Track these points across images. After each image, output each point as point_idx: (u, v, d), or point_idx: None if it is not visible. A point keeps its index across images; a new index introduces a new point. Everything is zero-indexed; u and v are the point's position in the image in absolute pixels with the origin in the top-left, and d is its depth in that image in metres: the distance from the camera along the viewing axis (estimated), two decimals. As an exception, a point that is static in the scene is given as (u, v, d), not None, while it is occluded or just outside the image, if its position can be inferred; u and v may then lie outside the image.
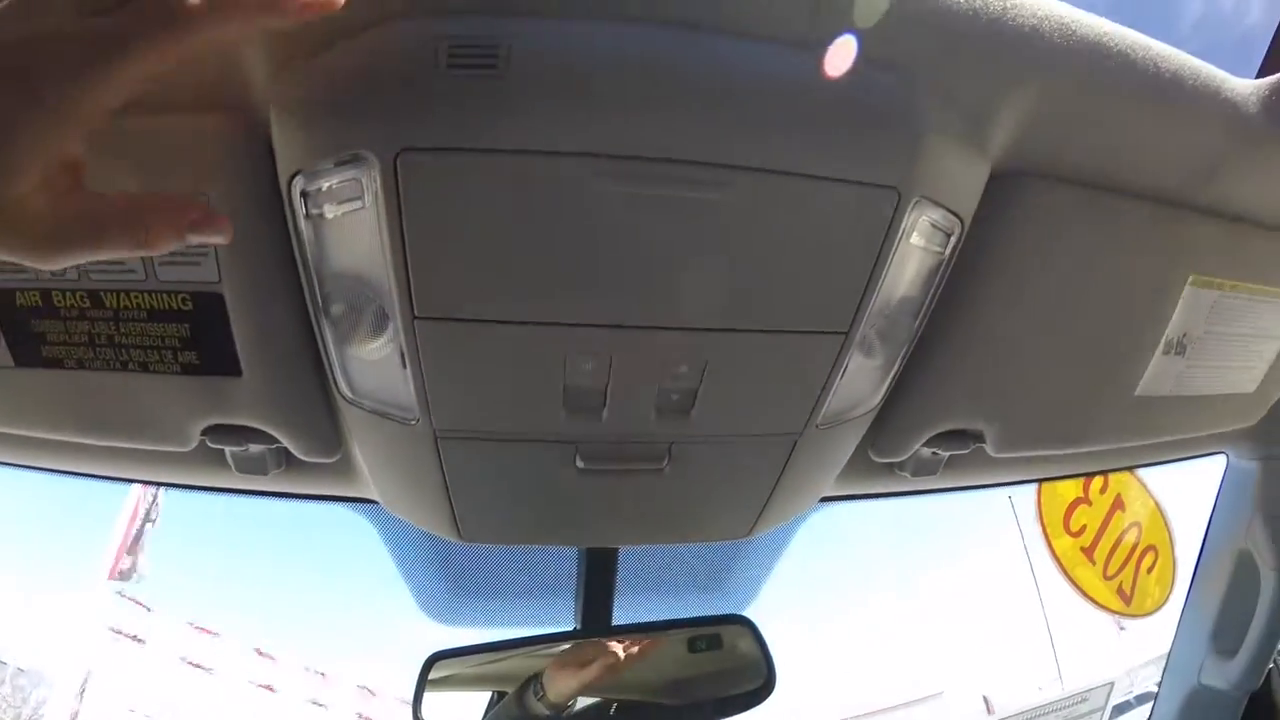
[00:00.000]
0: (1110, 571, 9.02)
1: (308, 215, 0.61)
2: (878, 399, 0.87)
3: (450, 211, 0.58)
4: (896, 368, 0.84)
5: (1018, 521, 10.93)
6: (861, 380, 0.83)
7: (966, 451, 1.00)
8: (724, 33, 0.57)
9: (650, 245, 0.62)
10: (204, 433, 0.83)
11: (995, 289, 0.82)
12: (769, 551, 1.83)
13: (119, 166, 0.58)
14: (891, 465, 1.08)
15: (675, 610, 1.69)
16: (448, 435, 0.77)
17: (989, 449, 0.99)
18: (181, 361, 0.75)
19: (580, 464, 0.81)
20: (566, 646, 1.28)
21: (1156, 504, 9.04)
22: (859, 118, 0.60)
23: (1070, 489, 8.84)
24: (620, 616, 1.33)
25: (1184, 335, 0.98)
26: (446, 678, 1.24)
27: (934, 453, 1.02)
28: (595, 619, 1.31)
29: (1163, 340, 0.96)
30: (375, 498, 1.02)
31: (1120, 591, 9.06)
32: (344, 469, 0.97)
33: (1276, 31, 0.94)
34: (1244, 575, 1.65)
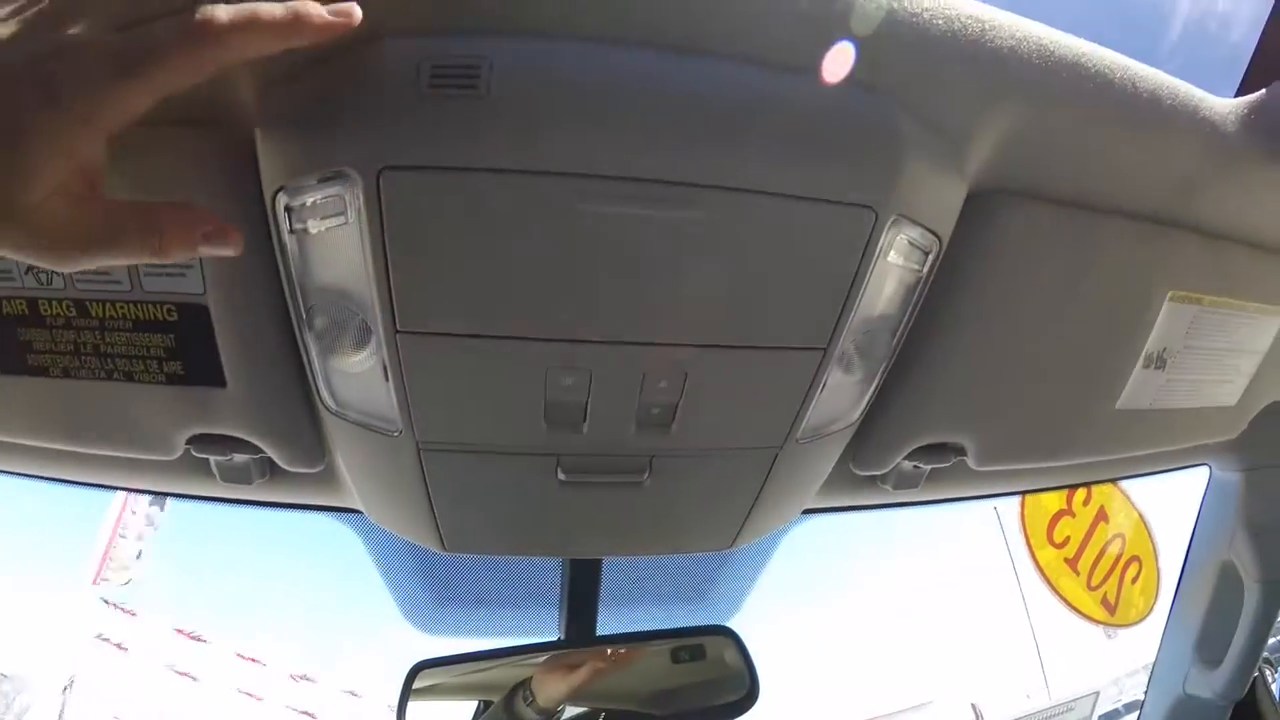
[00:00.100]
0: (1094, 582, 9.06)
1: (292, 230, 0.62)
2: (858, 414, 0.88)
3: (432, 228, 0.58)
4: (876, 383, 0.84)
5: (1003, 532, 10.97)
6: (841, 395, 0.83)
7: (948, 464, 1.01)
8: (704, 54, 0.58)
9: (630, 263, 0.62)
10: (189, 442, 0.83)
11: (975, 305, 0.82)
12: (754, 562, 1.84)
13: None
14: (874, 478, 1.08)
15: (659, 621, 1.70)
16: (430, 447, 0.77)
17: (970, 462, 0.99)
18: (166, 371, 0.75)
19: (562, 476, 0.81)
20: (546, 658, 1.28)
21: (1140, 515, 9.09)
22: (837, 138, 0.61)
23: (1054, 501, 8.88)
24: (604, 627, 1.33)
25: (1164, 350, 0.99)
26: (431, 687, 1.24)
27: (915, 466, 1.03)
28: (579, 629, 1.32)
29: (1142, 355, 0.97)
30: (359, 507, 1.02)
31: (1104, 602, 9.10)
32: (328, 479, 0.97)
33: (1255, 51, 0.95)
34: (1227, 586, 1.66)
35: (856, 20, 0.59)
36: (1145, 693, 1.86)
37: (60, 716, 11.29)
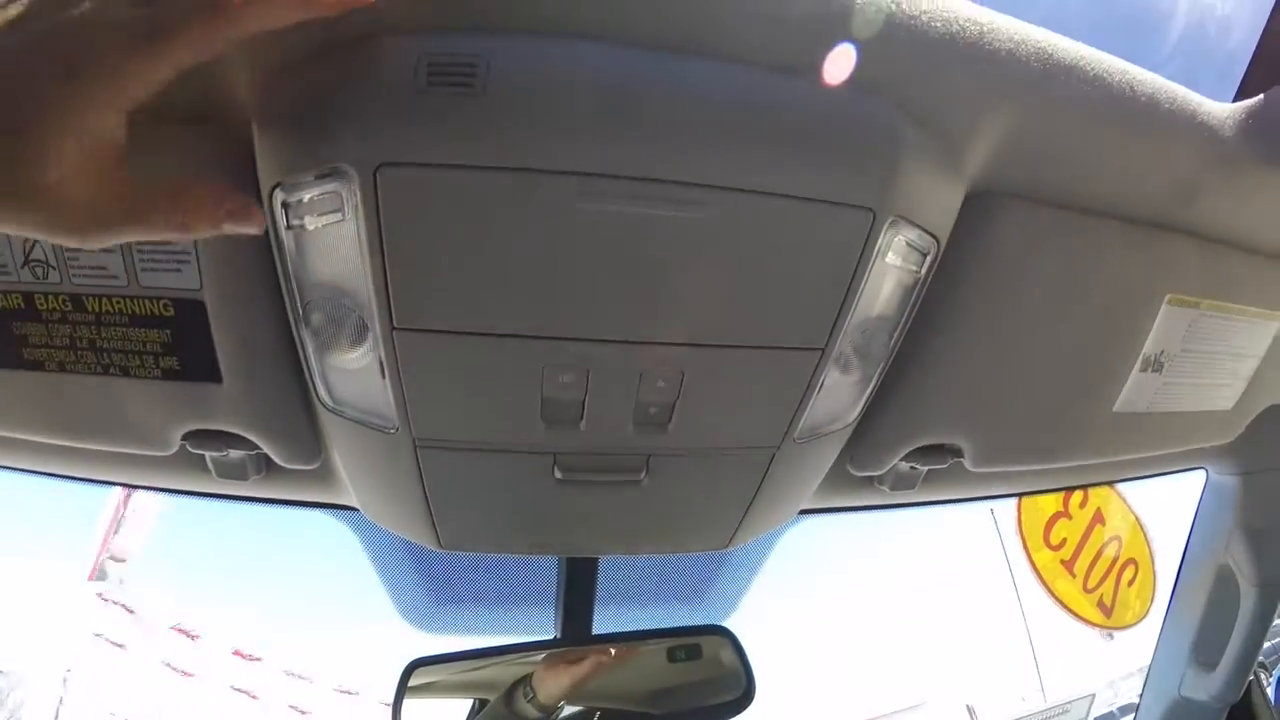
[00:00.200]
0: (1091, 584, 9.08)
1: (289, 226, 0.62)
2: (855, 414, 0.88)
3: (429, 226, 0.58)
4: (874, 383, 0.84)
5: (999, 534, 10.98)
6: (839, 396, 0.83)
7: (945, 466, 1.01)
8: (703, 55, 0.58)
9: (628, 261, 0.62)
10: (184, 438, 0.83)
11: (973, 307, 0.82)
12: (749, 562, 1.84)
13: None
14: (870, 479, 1.08)
15: (655, 620, 1.70)
16: (426, 444, 0.77)
17: (967, 464, 1.00)
18: (162, 367, 0.75)
19: (558, 475, 0.81)
20: (545, 656, 1.27)
21: (1136, 518, 9.10)
22: (836, 139, 0.61)
23: (1050, 503, 8.89)
24: (600, 626, 1.33)
25: (1161, 353, 0.99)
26: (426, 685, 1.23)
27: (912, 467, 1.03)
28: (575, 628, 1.31)
29: (1140, 358, 0.97)
30: (355, 505, 1.02)
31: (1101, 604, 9.11)
32: (324, 476, 0.97)
33: (1253, 57, 0.95)
34: (1224, 589, 1.66)
35: (856, 22, 0.59)
36: (1141, 695, 1.86)
37: (56, 713, 11.28)
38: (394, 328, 0.64)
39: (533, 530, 0.97)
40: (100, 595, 11.79)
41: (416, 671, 1.22)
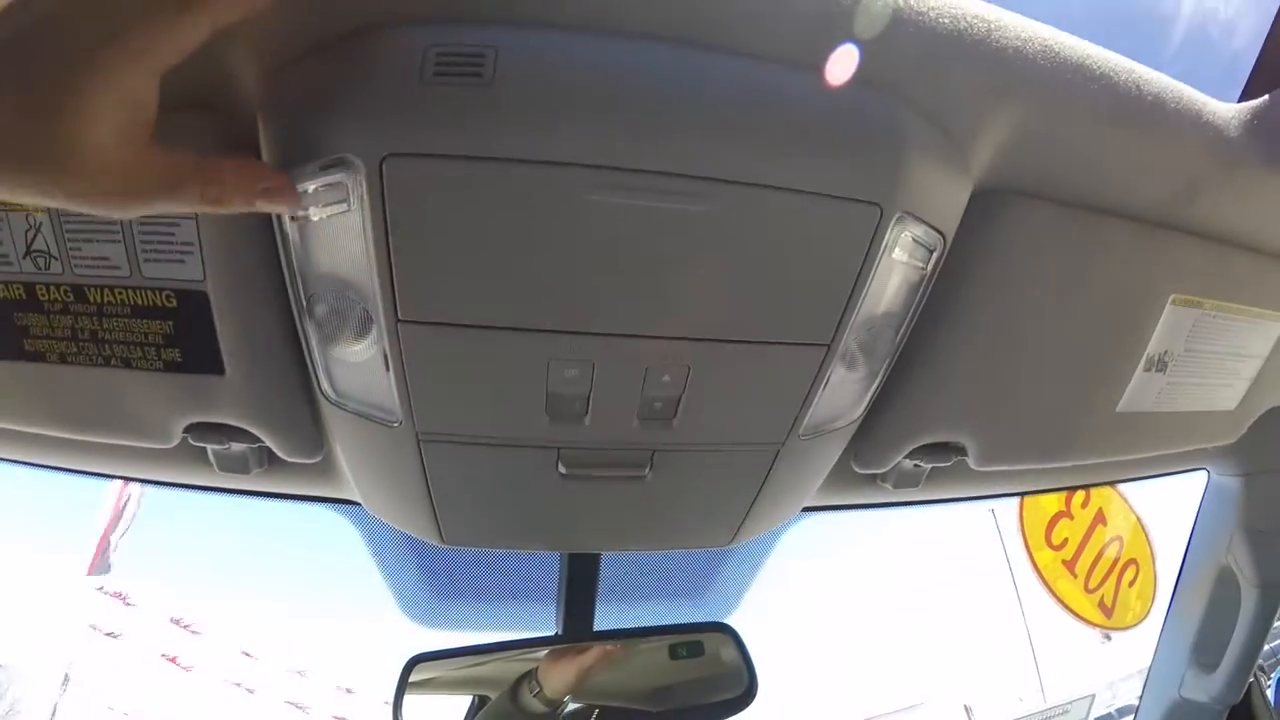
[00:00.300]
0: (1091, 585, 9.07)
1: (293, 217, 0.61)
2: (860, 411, 0.88)
3: (435, 217, 0.58)
4: (879, 380, 0.84)
5: (1000, 534, 10.98)
6: (844, 392, 0.83)
7: (948, 464, 1.01)
8: (713, 49, 0.58)
9: (634, 255, 0.62)
10: (186, 430, 0.83)
11: (978, 304, 0.82)
12: (750, 561, 1.83)
13: None
14: (874, 476, 1.08)
15: (657, 617, 1.69)
16: (430, 438, 0.77)
17: (971, 462, 0.99)
18: (164, 359, 0.75)
19: (562, 469, 0.81)
20: (548, 651, 1.27)
21: (1138, 519, 9.10)
22: (843, 134, 0.61)
23: (1052, 502, 8.89)
24: (602, 623, 1.33)
25: (1165, 353, 0.99)
26: (427, 680, 1.23)
27: (916, 465, 1.03)
28: (577, 624, 1.31)
29: (1144, 357, 0.97)
30: (357, 499, 1.02)
31: (1101, 605, 9.11)
32: (326, 470, 0.97)
33: (1258, 58, 0.95)
34: (1225, 590, 1.66)
35: (864, 18, 0.59)
36: (1141, 696, 1.86)
37: (55, 707, 11.29)
38: (399, 320, 0.64)
39: (536, 526, 0.97)
40: (99, 589, 11.81)
41: (417, 667, 1.22)
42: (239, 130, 0.60)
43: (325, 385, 0.76)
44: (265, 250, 0.67)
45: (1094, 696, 10.46)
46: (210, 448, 0.88)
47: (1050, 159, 0.74)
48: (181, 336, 0.73)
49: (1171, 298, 0.93)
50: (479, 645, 1.29)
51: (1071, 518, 9.02)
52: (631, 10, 0.56)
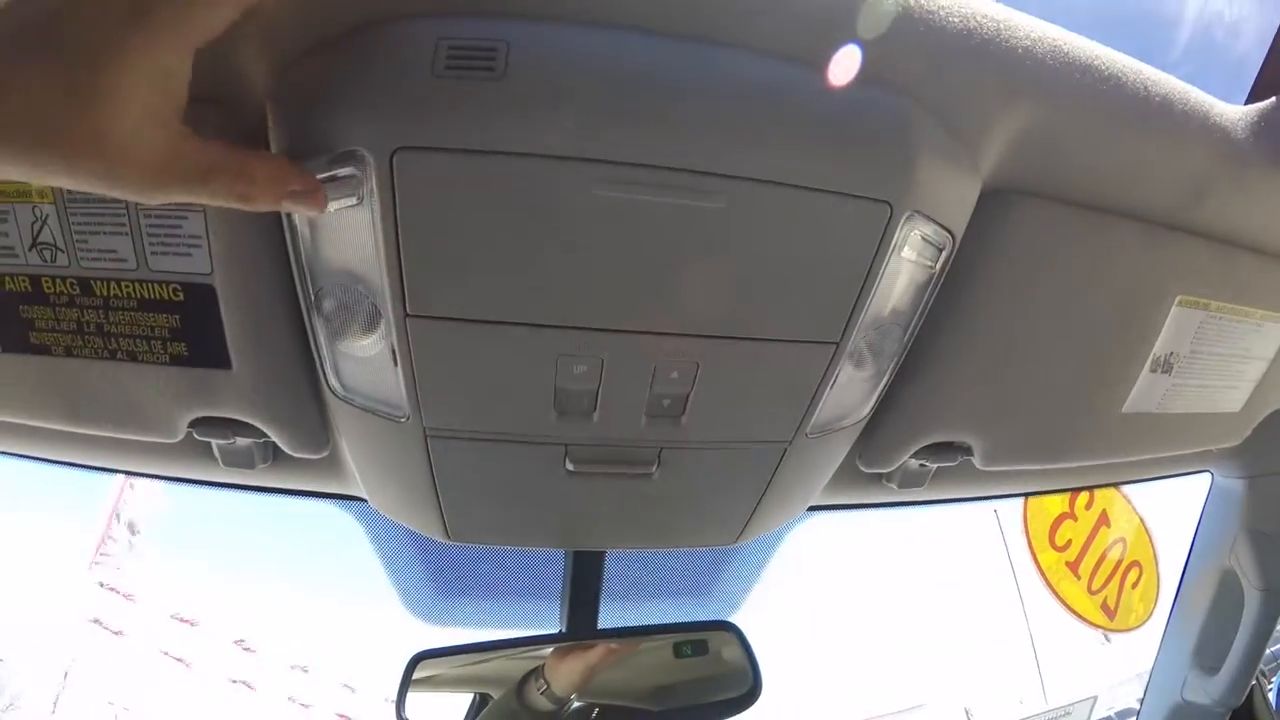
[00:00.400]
0: (1095, 586, 9.06)
1: None
2: (867, 410, 0.88)
3: (444, 211, 0.58)
4: (886, 379, 0.84)
5: (1003, 534, 10.96)
6: (851, 391, 0.83)
7: (954, 464, 1.01)
8: (724, 45, 0.58)
9: (644, 251, 0.62)
10: (191, 425, 0.83)
11: (985, 304, 0.82)
12: (754, 560, 1.83)
13: None
14: (879, 476, 1.09)
15: (660, 616, 1.69)
16: (437, 434, 0.77)
17: (976, 462, 0.99)
18: (171, 352, 0.75)
19: (569, 466, 0.81)
20: (553, 649, 1.27)
21: (1141, 520, 9.09)
22: (854, 132, 0.61)
23: (1056, 504, 8.87)
24: (605, 621, 1.33)
25: (1171, 354, 0.98)
26: (430, 678, 1.23)
27: (922, 464, 1.03)
28: (581, 622, 1.31)
29: (1149, 358, 0.97)
30: (363, 495, 1.02)
31: (1105, 606, 9.10)
32: (332, 465, 0.97)
33: (1265, 60, 0.95)
34: (1228, 593, 1.66)
35: (875, 16, 0.59)
36: (1142, 698, 1.86)
37: (56, 702, 11.30)
38: (407, 315, 0.64)
39: (542, 523, 0.97)
40: (100, 584, 11.82)
41: (421, 664, 1.22)
42: (247, 124, 0.60)
43: (332, 380, 0.76)
44: (273, 244, 0.67)
45: (1095, 698, 10.44)
46: (215, 443, 0.88)
47: (1058, 159, 0.74)
48: (188, 330, 0.73)
49: (1178, 299, 0.93)
50: (482, 643, 1.29)
51: (1075, 519, 9.00)
52: (644, 6, 0.56)
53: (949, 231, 0.71)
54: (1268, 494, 1.58)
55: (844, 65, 0.59)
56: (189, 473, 1.01)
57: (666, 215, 0.60)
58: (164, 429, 0.82)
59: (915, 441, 0.96)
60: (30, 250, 0.68)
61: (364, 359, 0.72)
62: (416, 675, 1.21)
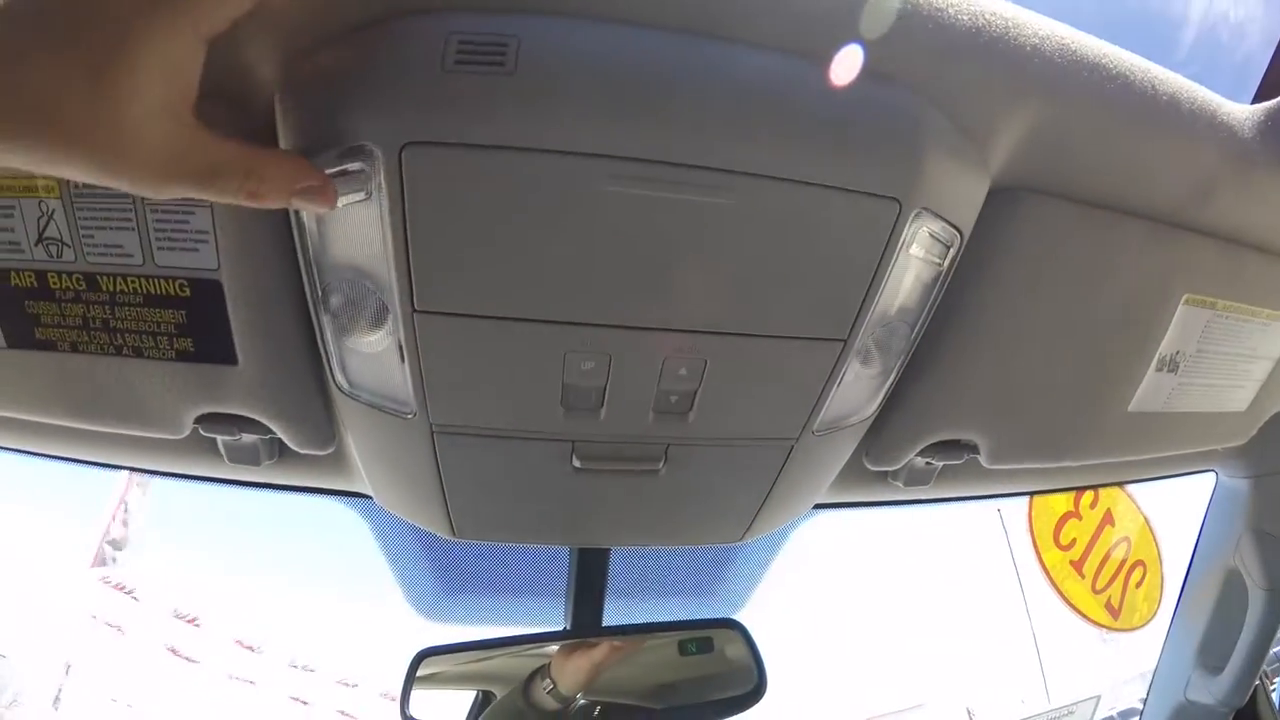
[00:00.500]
0: (1099, 585, 9.06)
1: None
2: (874, 407, 0.88)
3: (453, 206, 0.58)
4: (893, 377, 0.84)
5: (1006, 533, 10.95)
6: (858, 388, 0.83)
7: (960, 462, 1.01)
8: (733, 41, 0.58)
9: (653, 247, 0.62)
10: (197, 421, 0.83)
11: (992, 301, 0.82)
12: (758, 558, 1.83)
13: None
14: (885, 474, 1.09)
15: (665, 614, 1.69)
16: (444, 430, 0.77)
17: (982, 460, 0.99)
18: (177, 348, 0.75)
19: (576, 463, 0.81)
20: (556, 647, 1.27)
21: (1145, 520, 9.09)
22: (864, 129, 0.60)
23: (1061, 503, 8.87)
24: (610, 618, 1.33)
25: (1177, 353, 0.98)
26: (434, 675, 1.23)
27: (928, 462, 1.03)
28: (585, 620, 1.31)
29: (1156, 357, 0.97)
30: (368, 492, 1.02)
31: (1109, 606, 9.10)
32: (337, 462, 0.97)
33: (1272, 59, 0.95)
34: (1232, 592, 1.66)
35: (884, 13, 0.59)
36: (1145, 698, 1.86)
37: (58, 698, 11.31)
38: (415, 310, 0.64)
39: (548, 520, 0.97)
40: (102, 580, 11.83)
41: (425, 661, 1.22)
42: (256, 118, 0.60)
43: (339, 376, 0.76)
44: (280, 239, 0.67)
45: (1099, 698, 10.43)
46: (221, 439, 0.88)
47: (1065, 157, 0.74)
48: (194, 326, 0.73)
49: (1184, 298, 0.93)
50: (487, 640, 1.29)
51: (1080, 518, 9.00)
52: (654, 2, 0.56)
53: (957, 229, 0.71)
54: (1272, 494, 1.58)
55: (853, 62, 0.59)
56: (194, 469, 1.01)
57: (675, 211, 0.60)
58: (169, 425, 0.82)
59: (921, 439, 0.96)
60: (36, 245, 0.68)
61: (371, 355, 0.72)
62: (421, 672, 1.21)
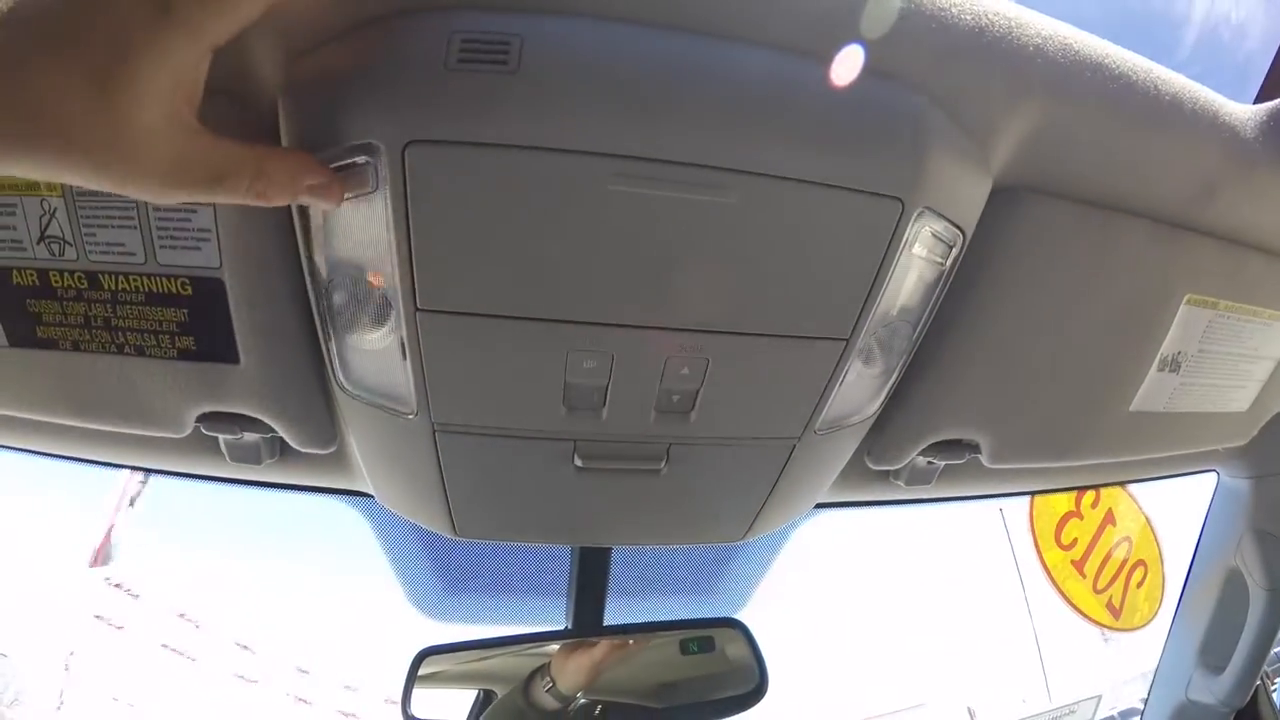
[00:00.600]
0: (1100, 585, 9.06)
1: None
2: (876, 406, 0.88)
3: (456, 205, 0.58)
4: (895, 376, 0.84)
5: (1007, 533, 10.95)
6: (860, 387, 0.83)
7: (962, 461, 1.01)
8: (737, 40, 0.58)
9: (656, 245, 0.62)
10: (199, 420, 0.83)
11: (994, 301, 0.82)
12: (760, 557, 1.83)
13: None
14: (887, 473, 1.09)
15: (666, 613, 1.69)
16: (445, 429, 0.77)
17: (984, 459, 0.99)
18: (179, 347, 0.75)
19: (578, 462, 0.81)
20: (557, 646, 1.27)
21: (1147, 519, 9.09)
22: (866, 128, 0.60)
23: (1062, 502, 8.87)
24: (611, 618, 1.33)
25: (1178, 353, 0.99)
26: (435, 674, 1.23)
27: (929, 462, 1.03)
28: (587, 619, 1.31)
29: (1157, 357, 0.97)
30: (369, 491, 1.02)
31: (1110, 605, 9.10)
32: (339, 461, 0.97)
33: (1274, 59, 0.95)
34: (1233, 592, 1.66)
35: (887, 13, 0.59)
36: (1147, 697, 1.86)
37: (59, 697, 11.33)
38: (417, 309, 0.64)
39: (549, 519, 0.96)
40: (104, 580, 11.83)
41: (426, 660, 1.22)
42: (259, 116, 0.60)
43: (340, 375, 0.76)
44: (282, 237, 0.67)
45: (1100, 698, 10.44)
46: (222, 437, 0.88)
47: (1068, 157, 0.74)
48: (196, 324, 0.73)
49: (1186, 298, 0.93)
50: (488, 639, 1.29)
51: (1081, 518, 9.01)
52: (658, 1, 0.56)
53: (959, 228, 0.71)
54: (1274, 494, 1.58)
55: (856, 62, 0.59)
56: (195, 468, 1.01)
57: (678, 210, 0.60)
58: (171, 424, 0.82)
59: (923, 439, 0.96)
60: (38, 244, 0.68)
61: (372, 353, 0.71)
62: (422, 671, 1.21)
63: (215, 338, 0.74)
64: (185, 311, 0.72)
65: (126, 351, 0.75)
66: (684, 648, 1.29)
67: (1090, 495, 8.79)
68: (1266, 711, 1.74)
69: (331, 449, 0.90)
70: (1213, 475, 1.66)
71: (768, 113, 0.58)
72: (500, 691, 1.25)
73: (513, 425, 0.77)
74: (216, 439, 0.88)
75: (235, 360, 0.76)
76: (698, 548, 1.72)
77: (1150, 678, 1.85)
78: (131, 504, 11.75)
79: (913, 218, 0.64)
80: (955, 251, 0.73)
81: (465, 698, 1.27)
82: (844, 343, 0.73)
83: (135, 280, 0.71)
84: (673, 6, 0.56)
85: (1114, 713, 10.34)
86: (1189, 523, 1.81)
